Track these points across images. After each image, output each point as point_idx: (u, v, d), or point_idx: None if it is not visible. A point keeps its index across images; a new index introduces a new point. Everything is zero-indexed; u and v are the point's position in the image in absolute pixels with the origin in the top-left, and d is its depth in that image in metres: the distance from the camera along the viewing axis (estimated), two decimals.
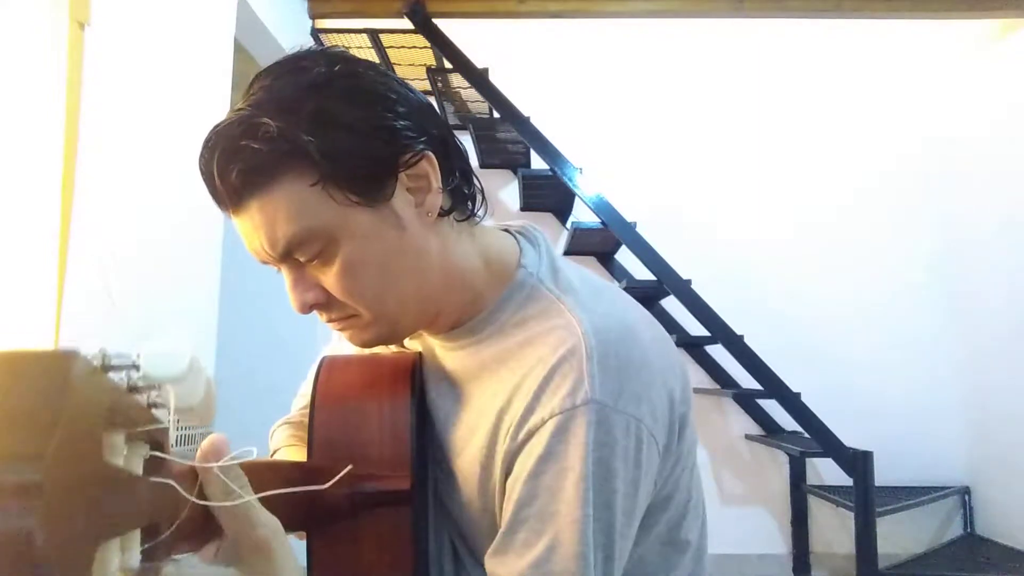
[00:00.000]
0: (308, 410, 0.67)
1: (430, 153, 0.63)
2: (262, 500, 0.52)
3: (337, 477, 0.58)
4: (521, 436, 0.61)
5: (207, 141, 0.60)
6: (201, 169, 0.61)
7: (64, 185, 1.35)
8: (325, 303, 0.64)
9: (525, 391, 0.62)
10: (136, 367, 0.38)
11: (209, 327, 1.99)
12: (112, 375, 0.36)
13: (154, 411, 0.41)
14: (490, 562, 0.61)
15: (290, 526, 0.63)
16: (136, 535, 0.37)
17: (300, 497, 0.59)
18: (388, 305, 0.65)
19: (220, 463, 0.48)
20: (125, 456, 0.37)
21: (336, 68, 0.61)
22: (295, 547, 0.68)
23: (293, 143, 0.57)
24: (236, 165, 0.58)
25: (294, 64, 0.62)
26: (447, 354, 0.72)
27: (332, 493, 0.60)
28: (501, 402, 0.64)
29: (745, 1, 3.02)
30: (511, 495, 0.61)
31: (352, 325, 0.66)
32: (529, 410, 0.61)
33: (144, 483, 0.38)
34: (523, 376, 0.63)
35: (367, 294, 0.63)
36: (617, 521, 0.60)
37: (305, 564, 0.61)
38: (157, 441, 0.42)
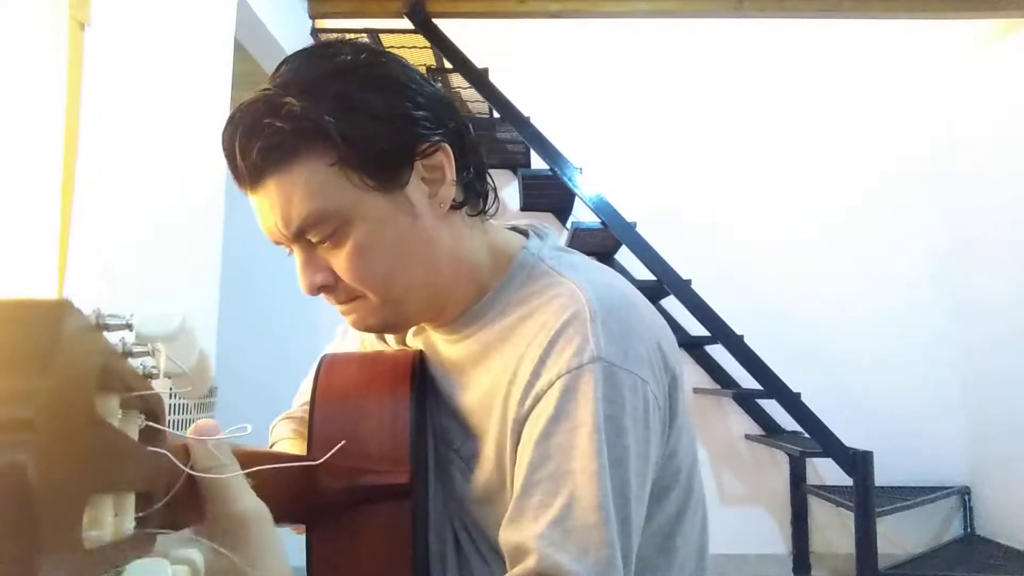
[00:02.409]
0: (308, 406, 0.67)
1: (446, 145, 0.65)
2: (257, 488, 0.52)
3: (332, 451, 0.59)
4: (529, 401, 0.61)
5: (231, 118, 0.61)
6: (224, 145, 0.62)
7: (64, 185, 1.34)
8: (333, 286, 0.65)
9: (530, 358, 0.62)
10: (129, 326, 0.38)
11: (209, 327, 1.99)
12: (108, 337, 0.36)
13: (151, 381, 0.41)
14: (504, 532, 0.59)
15: (289, 518, 0.63)
16: (130, 500, 0.37)
17: (299, 490, 0.59)
18: (395, 290, 0.65)
19: (215, 438, 0.48)
20: (120, 421, 0.37)
21: (362, 56, 0.63)
22: (291, 545, 0.68)
23: (315, 123, 0.59)
24: (258, 142, 0.59)
25: (321, 50, 0.64)
26: (451, 347, 0.72)
27: (331, 487, 0.60)
28: (508, 375, 0.64)
29: (745, 1, 3.02)
30: (522, 460, 0.60)
31: (357, 308, 0.67)
32: (535, 375, 0.61)
33: (139, 449, 0.39)
34: (527, 345, 0.64)
35: (376, 278, 0.64)
36: (632, 481, 0.59)
37: (305, 559, 0.62)
38: (153, 413, 0.42)
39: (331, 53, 0.63)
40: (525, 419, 0.61)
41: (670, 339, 0.68)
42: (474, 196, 0.70)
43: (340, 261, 0.63)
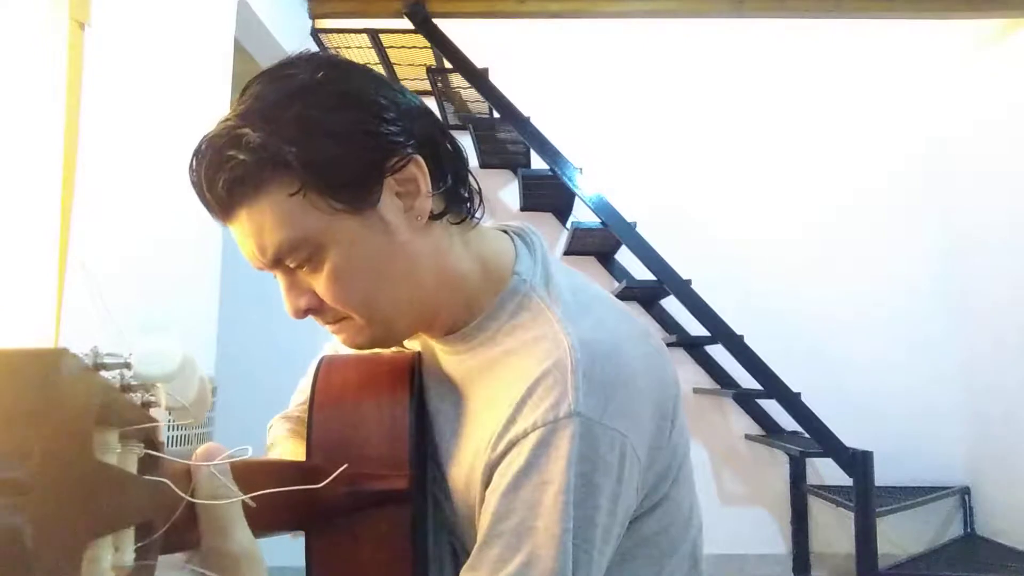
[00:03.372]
0: (306, 407, 0.67)
1: (418, 157, 0.63)
2: (256, 511, 0.51)
3: (332, 476, 0.58)
4: (501, 447, 0.60)
5: (196, 151, 0.61)
6: (191, 180, 0.61)
7: (64, 185, 1.34)
8: (319, 308, 0.65)
9: (508, 402, 0.61)
10: (127, 365, 0.38)
11: (209, 328, 1.99)
12: (105, 374, 0.36)
13: (149, 411, 0.41)
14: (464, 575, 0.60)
15: (289, 525, 0.63)
16: (130, 533, 0.37)
17: (299, 497, 0.59)
18: (378, 310, 0.64)
19: (215, 462, 0.48)
20: (119, 454, 0.37)
21: (320, 75, 0.61)
22: (292, 547, 0.68)
23: (274, 153, 0.58)
24: (222, 176, 0.58)
25: (280, 71, 0.62)
26: (445, 357, 0.71)
27: (331, 493, 0.60)
28: (486, 412, 0.63)
29: (745, 1, 3.02)
30: (488, 508, 0.59)
31: (346, 328, 0.66)
32: (510, 421, 0.60)
33: (137, 481, 0.39)
34: (508, 387, 0.62)
35: (356, 299, 0.63)
36: (597, 539, 0.58)
37: (305, 562, 0.62)
38: (152, 440, 0.42)
39: (290, 74, 0.61)
40: (496, 464, 0.60)
41: (662, 378, 0.66)
42: (456, 203, 0.68)
43: (320, 285, 0.62)
